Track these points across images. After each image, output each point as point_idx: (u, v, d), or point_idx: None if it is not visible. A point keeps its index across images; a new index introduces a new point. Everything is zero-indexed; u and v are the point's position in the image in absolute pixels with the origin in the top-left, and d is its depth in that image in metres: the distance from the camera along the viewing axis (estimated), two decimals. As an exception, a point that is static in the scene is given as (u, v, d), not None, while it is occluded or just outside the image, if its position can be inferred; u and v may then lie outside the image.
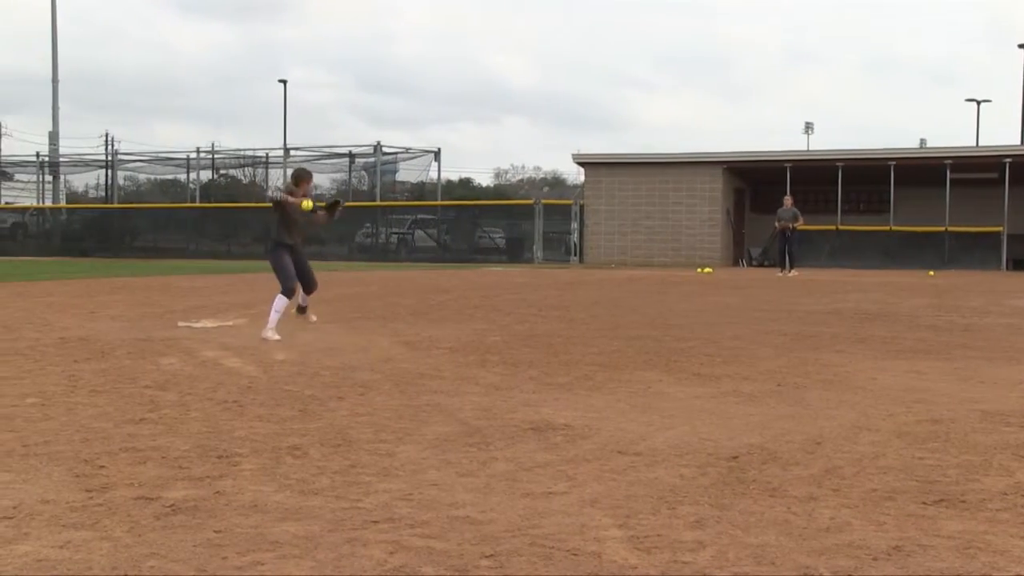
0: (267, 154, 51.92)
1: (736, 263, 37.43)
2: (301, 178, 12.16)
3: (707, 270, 31.75)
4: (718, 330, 12.51)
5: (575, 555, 3.86)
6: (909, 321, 13.94)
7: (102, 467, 5.17)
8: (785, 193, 31.89)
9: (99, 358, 9.44)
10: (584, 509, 4.49)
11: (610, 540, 4.04)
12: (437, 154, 48.47)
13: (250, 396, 7.37)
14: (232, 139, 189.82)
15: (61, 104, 53.99)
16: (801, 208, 30.55)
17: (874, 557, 3.85)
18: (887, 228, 35.24)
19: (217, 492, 4.69)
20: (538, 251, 39.58)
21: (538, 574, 3.65)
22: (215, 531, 4.09)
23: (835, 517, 4.38)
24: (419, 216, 45.39)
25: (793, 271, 28.46)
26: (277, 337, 10.83)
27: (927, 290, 21.69)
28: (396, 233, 44.82)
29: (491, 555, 3.84)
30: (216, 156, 53.35)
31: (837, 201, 35.85)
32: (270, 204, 12.55)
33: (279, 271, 11.53)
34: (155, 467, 5.19)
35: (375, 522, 4.24)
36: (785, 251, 29.38)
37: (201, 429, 6.18)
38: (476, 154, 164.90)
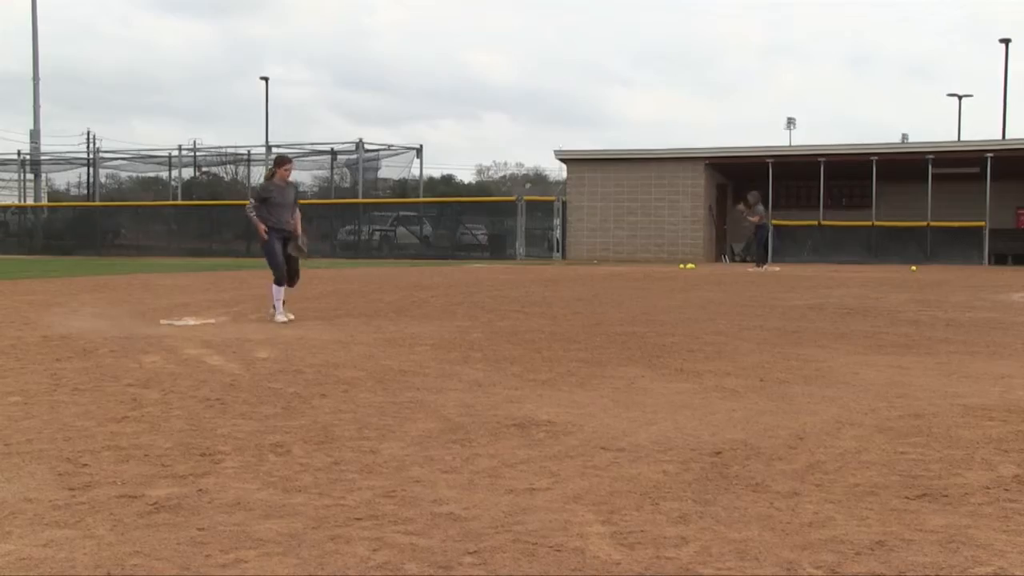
0: (249, 151, 51.76)
1: (718, 259, 37.48)
2: (281, 163, 13.35)
3: (690, 266, 31.79)
4: (701, 326, 12.54)
5: (558, 551, 3.86)
6: (891, 316, 13.99)
7: (85, 465, 5.15)
8: (769, 189, 32.01)
9: (81, 356, 9.40)
10: (567, 505, 4.50)
11: (593, 536, 4.05)
12: (419, 151, 48.42)
13: (233, 394, 7.35)
14: (213, 137, 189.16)
15: (42, 102, 53.76)
16: (784, 203, 30.69)
17: (857, 552, 3.87)
18: (869, 223, 35.33)
19: (200, 490, 4.68)
20: (520, 247, 39.57)
21: (521, 571, 3.66)
22: (198, 529, 4.08)
23: (818, 512, 4.40)
24: (401, 213, 45.34)
25: (775, 267, 28.53)
26: (290, 317, 12.75)
27: (909, 285, 21.77)
28: (379, 230, 44.75)
29: (474, 552, 3.85)
30: (198, 154, 53.22)
31: (819, 196, 35.90)
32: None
33: (269, 258, 13.06)
34: (138, 465, 5.17)
35: (358, 519, 4.24)
36: (763, 245, 29.47)
37: (184, 427, 6.16)
38: (458, 151, 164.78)
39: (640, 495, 4.68)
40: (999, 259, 34.29)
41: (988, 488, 4.80)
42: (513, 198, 43.88)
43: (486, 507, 4.45)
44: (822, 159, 35.52)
